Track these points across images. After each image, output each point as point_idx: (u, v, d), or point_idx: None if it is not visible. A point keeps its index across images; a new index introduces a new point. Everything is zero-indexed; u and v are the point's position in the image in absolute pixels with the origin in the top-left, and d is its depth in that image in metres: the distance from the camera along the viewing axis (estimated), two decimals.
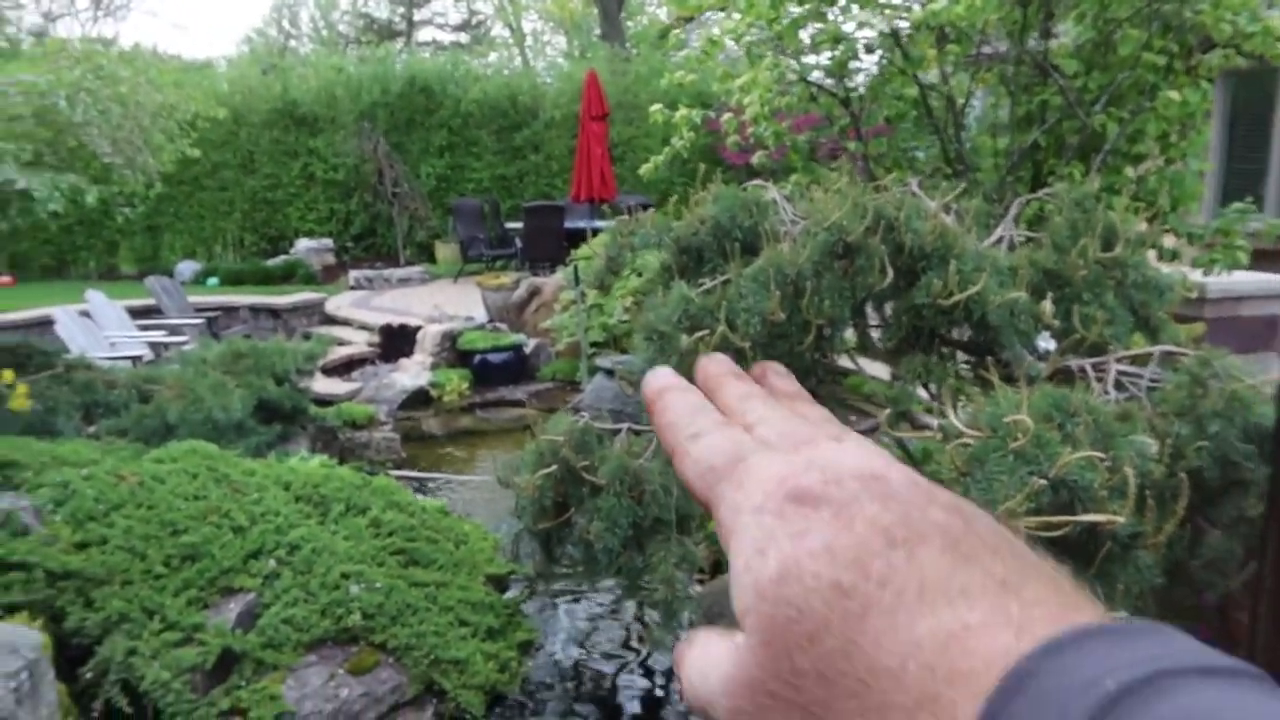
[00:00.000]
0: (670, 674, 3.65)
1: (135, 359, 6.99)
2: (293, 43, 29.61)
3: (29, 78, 5.17)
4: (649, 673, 3.72)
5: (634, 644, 3.94)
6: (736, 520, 0.31)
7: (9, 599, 3.12)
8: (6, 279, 12.90)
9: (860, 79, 4.52)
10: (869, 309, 2.92)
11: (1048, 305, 2.54)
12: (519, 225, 12.00)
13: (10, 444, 3.96)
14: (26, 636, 2.71)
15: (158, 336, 7.73)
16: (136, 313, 8.42)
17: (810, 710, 0.27)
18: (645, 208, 3.39)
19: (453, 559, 3.90)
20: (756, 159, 4.68)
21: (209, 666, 3.07)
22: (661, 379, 0.39)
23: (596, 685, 3.65)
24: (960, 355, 2.94)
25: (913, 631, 0.26)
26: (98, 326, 7.60)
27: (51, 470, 3.72)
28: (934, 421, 2.65)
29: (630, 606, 4.17)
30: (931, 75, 4.27)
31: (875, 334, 2.99)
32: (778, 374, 0.41)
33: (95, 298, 8.02)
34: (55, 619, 3.17)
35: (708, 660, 0.31)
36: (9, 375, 4.85)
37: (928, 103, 4.05)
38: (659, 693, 3.60)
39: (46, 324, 8.14)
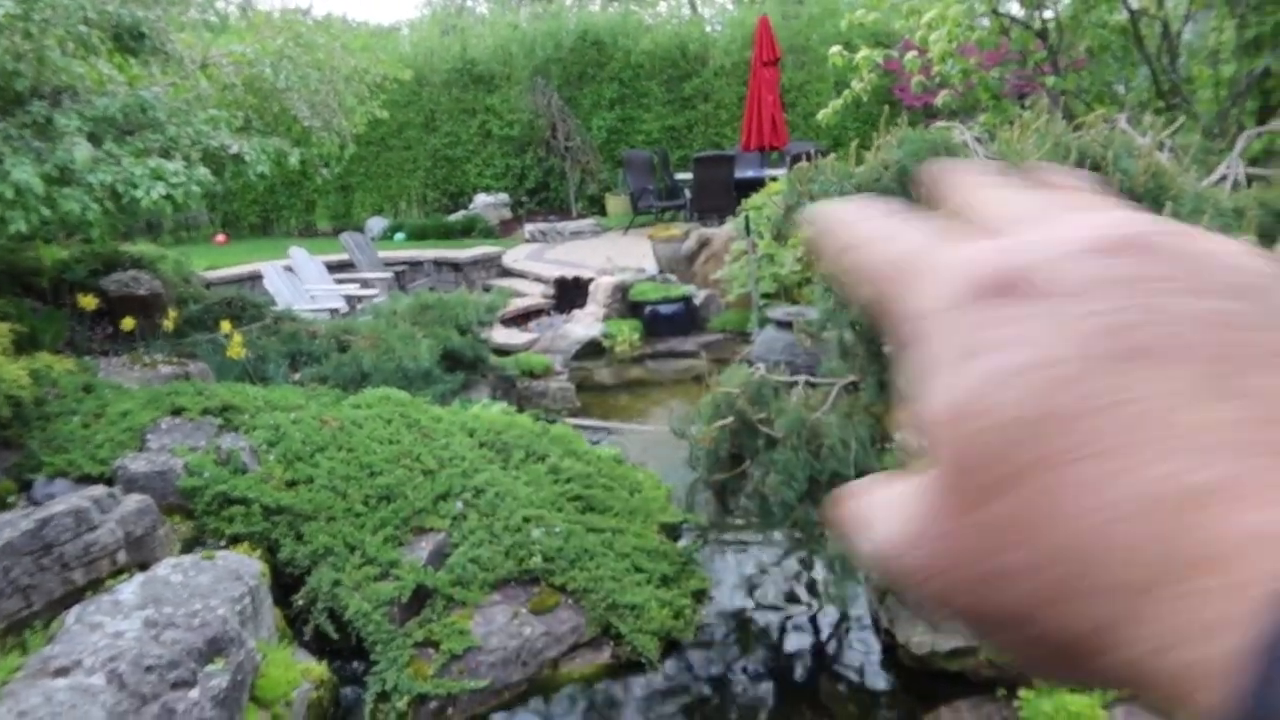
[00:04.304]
0: (840, 626, 3.61)
1: (333, 311, 7.48)
2: (470, 2, 30.42)
3: (238, 48, 5.56)
4: (816, 628, 3.69)
5: (800, 596, 3.91)
6: (911, 335, 0.24)
7: (232, 530, 3.44)
8: (221, 237, 14.06)
9: (1058, 8, 4.18)
10: None
11: None
12: (688, 176, 11.96)
13: (230, 389, 4.33)
14: (248, 565, 2.98)
15: (352, 289, 8.24)
16: (332, 267, 9.00)
17: (1002, 584, 0.21)
18: (818, 155, 3.29)
19: (627, 506, 3.99)
20: (941, 99, 4.44)
21: (404, 600, 3.28)
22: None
23: (764, 635, 3.66)
24: None
25: (1134, 487, 0.20)
26: (300, 280, 8.16)
27: (265, 413, 4.05)
28: None
29: (793, 560, 4.13)
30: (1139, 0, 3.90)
31: None
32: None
33: (297, 254, 8.60)
34: (270, 550, 3.47)
35: (889, 506, 0.25)
36: (227, 326, 5.29)
37: (1137, 30, 3.70)
38: (829, 649, 3.57)
39: (256, 278, 8.84)
